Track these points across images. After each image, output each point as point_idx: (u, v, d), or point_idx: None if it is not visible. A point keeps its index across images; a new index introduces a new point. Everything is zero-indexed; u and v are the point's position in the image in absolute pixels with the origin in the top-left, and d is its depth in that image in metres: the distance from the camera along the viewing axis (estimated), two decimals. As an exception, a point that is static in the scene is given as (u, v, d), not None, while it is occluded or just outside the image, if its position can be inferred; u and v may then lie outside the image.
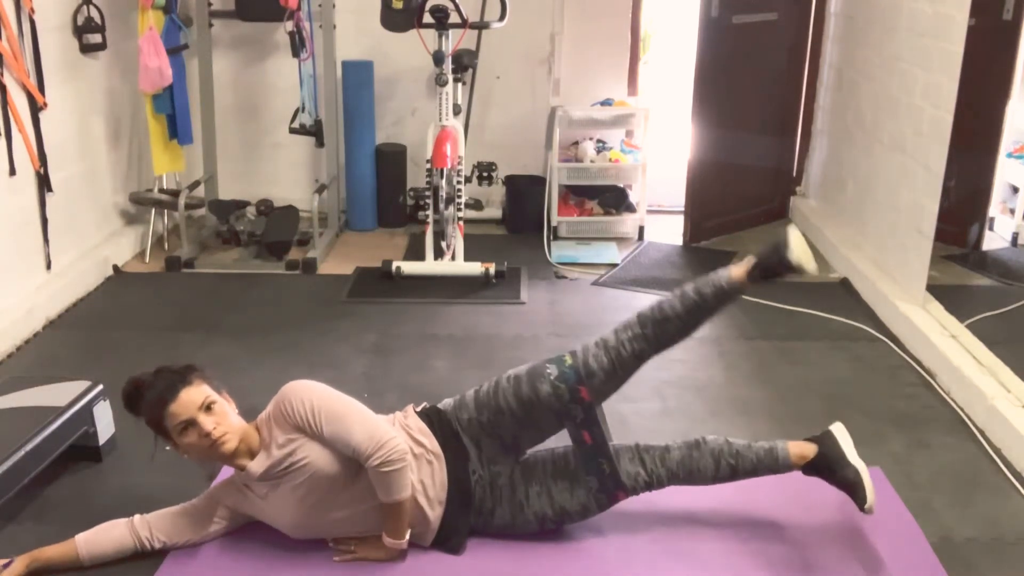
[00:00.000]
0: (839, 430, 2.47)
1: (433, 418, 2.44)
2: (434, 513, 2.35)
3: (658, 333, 2.37)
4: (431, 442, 2.38)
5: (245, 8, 4.66)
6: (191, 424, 2.21)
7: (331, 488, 2.29)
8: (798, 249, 2.34)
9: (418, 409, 2.49)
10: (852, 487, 2.36)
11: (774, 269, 2.38)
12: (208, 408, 2.24)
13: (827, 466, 2.40)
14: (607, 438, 2.39)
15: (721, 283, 2.38)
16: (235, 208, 4.74)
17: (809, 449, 2.43)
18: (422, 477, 2.34)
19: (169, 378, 2.24)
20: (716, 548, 2.42)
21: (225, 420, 2.26)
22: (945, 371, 3.34)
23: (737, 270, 2.39)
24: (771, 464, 2.42)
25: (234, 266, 4.50)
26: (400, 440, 2.26)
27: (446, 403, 2.49)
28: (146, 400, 2.23)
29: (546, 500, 2.38)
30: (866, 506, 2.32)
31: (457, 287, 4.25)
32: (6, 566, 2.25)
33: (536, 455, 2.46)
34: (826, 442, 2.44)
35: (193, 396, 2.22)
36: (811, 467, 2.42)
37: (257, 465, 2.29)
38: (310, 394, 2.30)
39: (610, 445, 2.39)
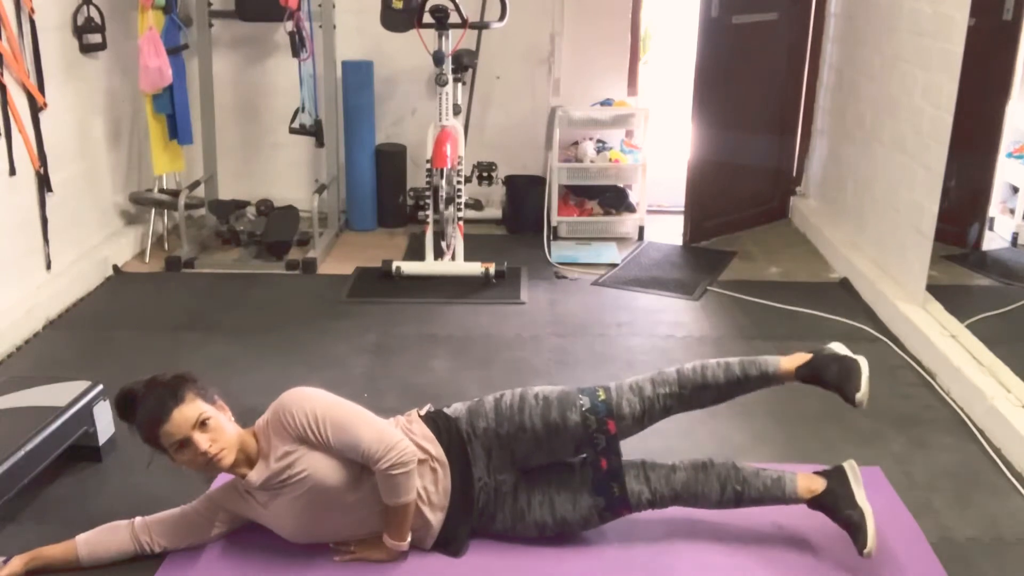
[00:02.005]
0: (851, 468, 2.43)
1: (440, 424, 2.41)
2: (436, 518, 2.35)
3: (693, 397, 2.41)
4: (436, 449, 2.36)
5: (245, 8, 4.66)
6: (186, 443, 2.18)
7: (331, 498, 2.27)
8: (866, 391, 2.33)
9: (422, 413, 2.46)
10: (855, 528, 2.32)
11: (827, 386, 2.41)
12: (203, 425, 2.20)
13: (833, 503, 2.37)
14: (623, 468, 2.38)
15: (768, 370, 2.42)
16: (235, 208, 4.74)
17: (818, 484, 2.40)
18: (425, 483, 2.32)
19: (160, 395, 2.18)
20: (716, 548, 2.42)
21: (221, 435, 2.23)
22: (945, 371, 3.34)
23: (787, 363, 2.43)
24: (777, 495, 2.39)
25: (234, 266, 4.50)
26: (408, 443, 2.26)
27: (456, 408, 2.45)
28: (138, 419, 2.20)
29: (547, 510, 2.37)
30: (865, 551, 2.28)
31: (457, 287, 4.25)
32: (4, 563, 2.25)
33: (539, 465, 2.44)
34: (836, 478, 2.41)
35: (186, 414, 2.18)
36: (817, 502, 2.39)
37: (256, 475, 2.28)
38: (312, 403, 2.28)
39: (625, 475, 2.37)
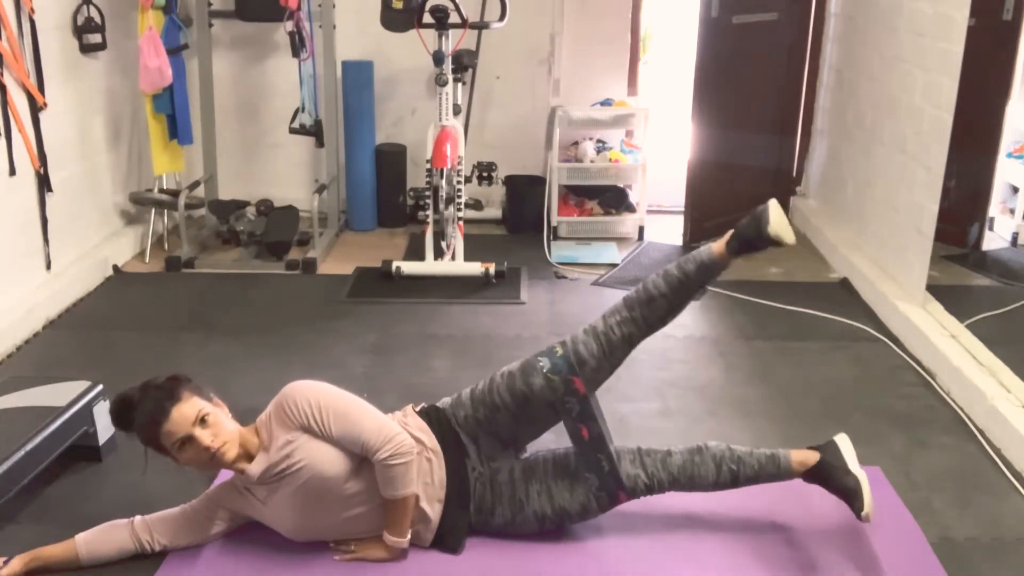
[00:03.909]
0: (843, 440, 2.47)
1: (432, 416, 2.45)
2: (433, 511, 2.36)
3: (646, 314, 2.39)
4: (430, 439, 2.39)
5: (245, 8, 4.66)
6: (188, 440, 2.20)
7: (329, 491, 2.28)
8: (776, 221, 2.36)
9: (417, 409, 2.50)
10: (850, 494, 2.36)
11: (753, 242, 2.40)
12: (202, 421, 2.21)
13: (827, 473, 2.40)
14: (606, 435, 2.39)
15: (703, 258, 2.40)
16: (235, 208, 4.74)
17: (811, 457, 2.43)
18: (421, 475, 2.34)
19: (156, 396, 2.19)
20: (716, 548, 2.42)
21: (222, 430, 2.25)
22: (945, 371, 3.34)
23: (717, 245, 2.42)
24: (772, 471, 2.42)
25: (234, 266, 4.50)
26: (407, 435, 2.28)
27: (444, 402, 2.50)
28: (137, 422, 2.20)
29: (546, 499, 2.38)
30: (863, 513, 2.31)
31: (457, 287, 4.25)
32: (5, 563, 2.25)
33: (537, 454, 2.47)
34: (828, 450, 2.45)
35: (185, 412, 2.19)
36: (812, 474, 2.42)
37: (255, 467, 2.29)
38: (315, 393, 2.31)
39: (610, 446, 2.39)
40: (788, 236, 2.38)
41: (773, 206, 2.40)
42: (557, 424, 2.43)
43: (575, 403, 2.36)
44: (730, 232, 2.43)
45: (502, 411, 2.38)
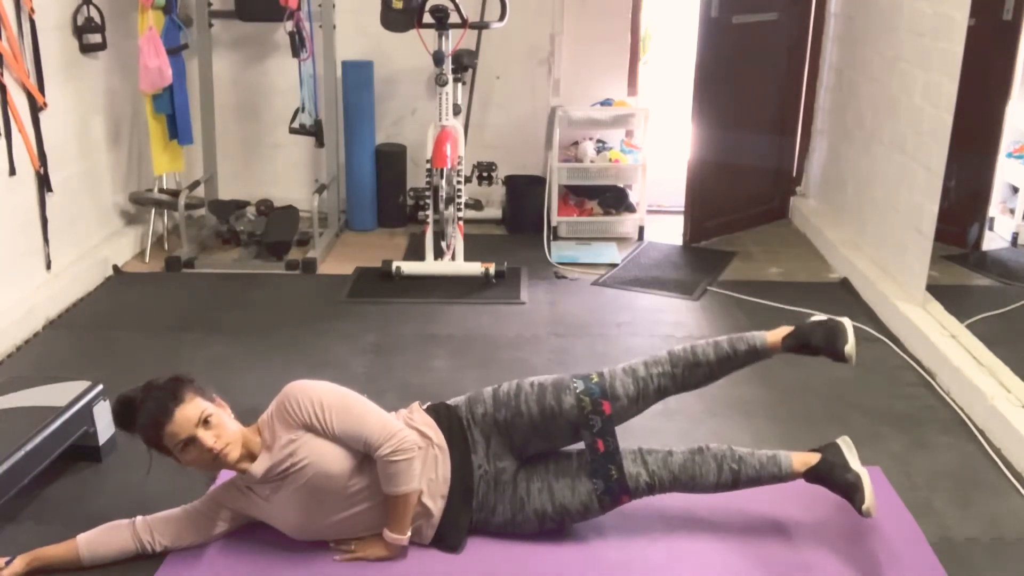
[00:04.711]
0: (844, 442, 2.49)
1: (440, 413, 2.46)
2: (436, 507, 2.36)
3: (686, 375, 2.46)
4: (437, 435, 2.40)
5: (245, 8, 4.66)
6: (191, 441, 2.20)
7: (333, 490, 2.29)
8: (852, 343, 2.43)
9: (424, 407, 2.51)
10: (851, 489, 2.37)
11: (814, 349, 2.48)
12: (205, 422, 2.21)
13: (828, 471, 2.41)
14: (620, 448, 2.40)
15: (755, 344, 2.48)
16: (235, 208, 4.74)
17: (812, 457, 2.45)
18: (426, 471, 2.35)
19: (159, 397, 2.19)
20: (716, 548, 2.43)
21: (224, 431, 2.25)
22: (945, 371, 3.34)
23: (773, 337, 2.50)
24: (774, 471, 2.42)
25: (234, 266, 4.50)
26: (409, 432, 2.29)
27: (456, 399, 2.51)
28: (139, 423, 2.20)
29: (547, 497, 2.39)
30: (864, 507, 2.32)
31: (457, 287, 4.25)
32: (7, 564, 2.25)
33: (539, 453, 2.46)
34: (830, 450, 2.46)
35: (189, 413, 2.19)
36: (813, 474, 2.43)
37: (258, 467, 2.29)
38: (317, 392, 2.31)
39: (621, 457, 2.40)
40: (855, 356, 2.45)
41: (850, 327, 2.48)
42: (571, 444, 2.44)
43: (598, 420, 2.38)
44: (789, 328, 2.51)
45: (524, 418, 2.38)
